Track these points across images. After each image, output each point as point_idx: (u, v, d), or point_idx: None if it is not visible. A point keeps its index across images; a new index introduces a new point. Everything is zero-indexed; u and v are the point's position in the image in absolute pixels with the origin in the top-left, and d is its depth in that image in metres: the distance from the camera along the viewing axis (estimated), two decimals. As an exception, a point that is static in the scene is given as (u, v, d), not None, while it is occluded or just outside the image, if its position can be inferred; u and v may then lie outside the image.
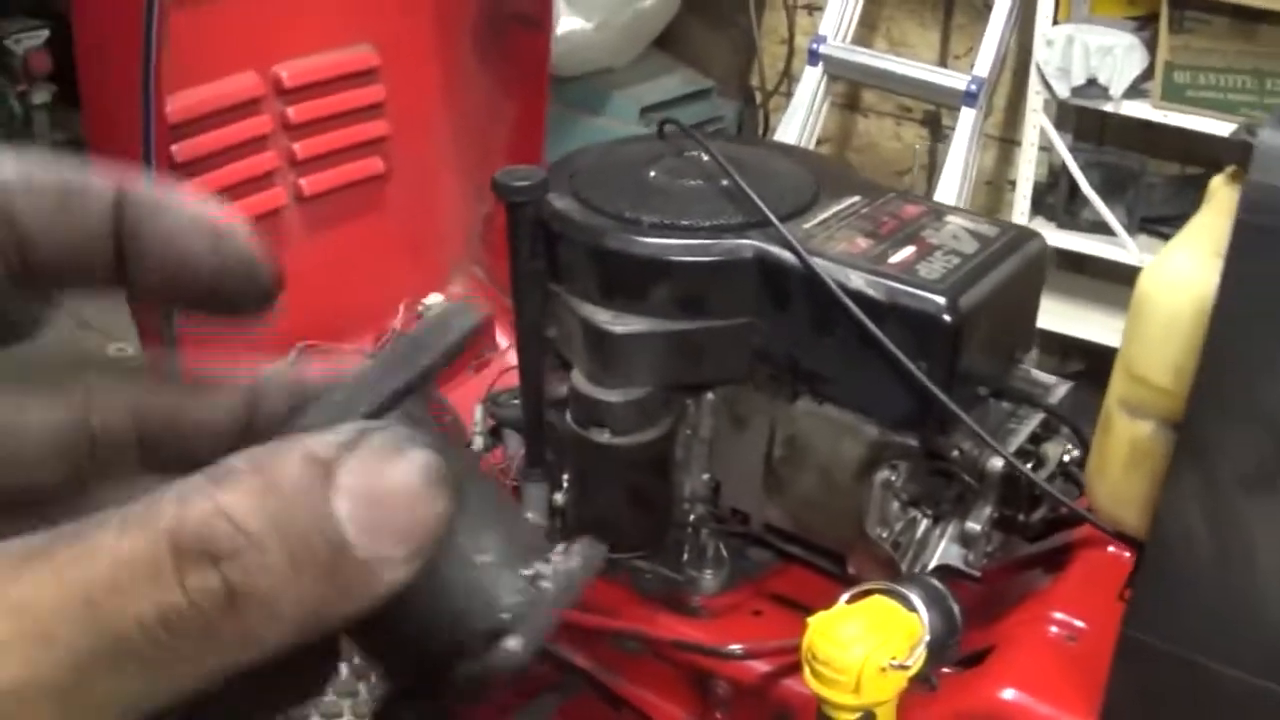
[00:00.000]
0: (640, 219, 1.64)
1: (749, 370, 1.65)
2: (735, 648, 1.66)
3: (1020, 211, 3.95)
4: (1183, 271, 1.20)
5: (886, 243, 1.61)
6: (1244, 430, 1.15)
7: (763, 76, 4.60)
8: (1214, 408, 1.16)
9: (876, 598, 1.37)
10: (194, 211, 0.48)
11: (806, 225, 1.64)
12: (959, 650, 1.43)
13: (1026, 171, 3.93)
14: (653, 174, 1.76)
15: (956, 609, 1.40)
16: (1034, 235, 1.71)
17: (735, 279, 1.60)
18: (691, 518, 1.78)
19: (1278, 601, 1.20)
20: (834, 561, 1.71)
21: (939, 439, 1.58)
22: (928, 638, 1.34)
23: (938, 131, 4.40)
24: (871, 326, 1.50)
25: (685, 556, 1.80)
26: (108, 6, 2.08)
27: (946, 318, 1.50)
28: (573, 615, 1.80)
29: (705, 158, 1.76)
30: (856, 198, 1.73)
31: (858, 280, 1.53)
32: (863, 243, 1.61)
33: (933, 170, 4.35)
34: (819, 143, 4.20)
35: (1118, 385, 1.26)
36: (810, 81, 4.04)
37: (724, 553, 1.81)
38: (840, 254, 1.58)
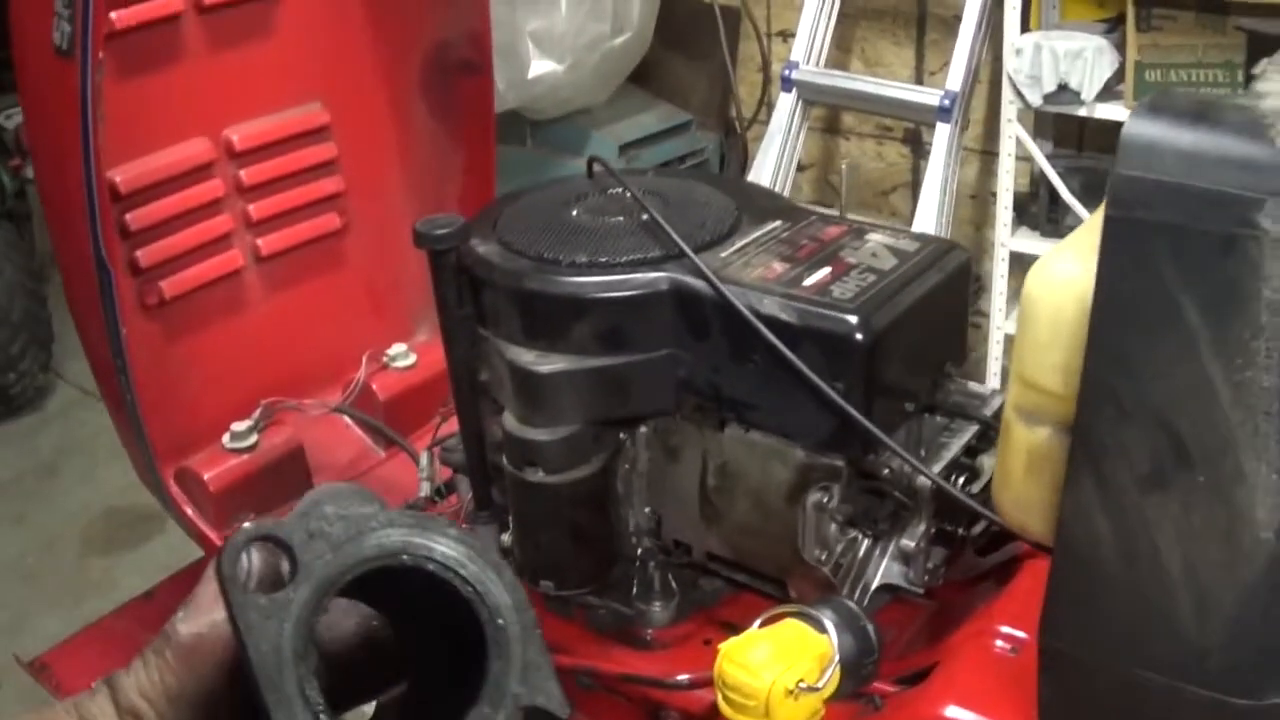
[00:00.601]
0: (559, 259, 1.65)
1: (677, 402, 1.65)
2: (681, 678, 1.66)
3: (1003, 222, 3.94)
4: (1066, 271, 1.20)
5: (803, 266, 1.62)
6: (1135, 429, 1.14)
7: (739, 106, 4.61)
8: (1103, 408, 1.15)
9: (788, 621, 1.37)
10: None
11: (724, 254, 1.65)
12: (877, 670, 1.42)
13: (1006, 182, 3.92)
14: (575, 213, 1.77)
15: (871, 629, 1.39)
16: (954, 247, 1.71)
17: (653, 312, 1.61)
18: (639, 551, 1.78)
19: (1187, 602, 1.18)
20: (777, 587, 1.70)
21: (867, 458, 1.58)
22: (838, 659, 1.34)
23: (919, 149, 4.41)
24: (784, 350, 1.50)
25: (634, 590, 1.80)
26: (46, 84, 2.10)
27: (858, 336, 1.50)
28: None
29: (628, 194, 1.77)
30: (778, 223, 1.74)
31: (771, 305, 1.54)
32: (779, 267, 1.61)
33: (916, 187, 4.34)
34: (801, 168, 4.21)
35: (1012, 392, 1.26)
36: (785, 107, 4.05)
37: (673, 584, 1.81)
38: (755, 280, 1.58)
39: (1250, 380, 1.08)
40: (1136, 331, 1.12)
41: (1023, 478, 1.27)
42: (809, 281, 1.58)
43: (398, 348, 2.57)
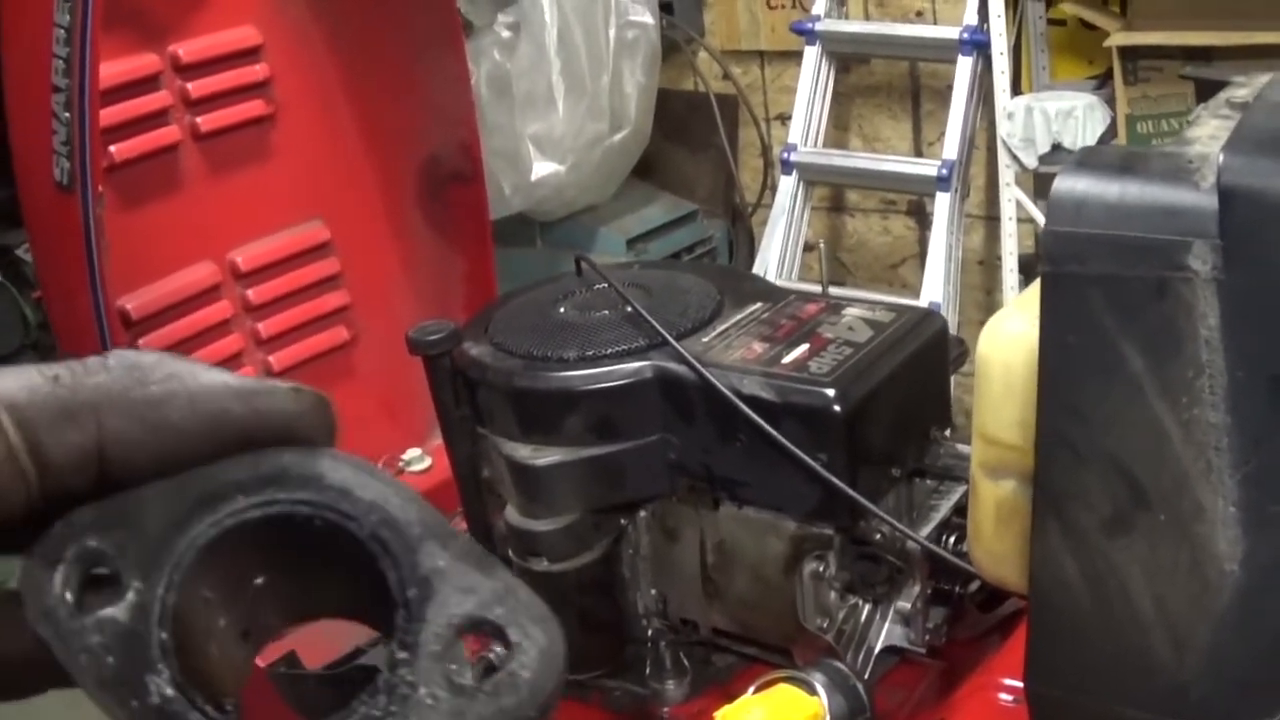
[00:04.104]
0: (548, 355, 1.71)
1: (671, 484, 1.69)
2: (695, 753, 1.70)
3: (1010, 286, 3.99)
4: (1015, 329, 1.24)
5: (782, 344, 1.66)
6: (1093, 475, 1.18)
7: (742, 192, 4.67)
8: (1060, 457, 1.19)
9: (781, 685, 1.41)
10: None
11: (706, 338, 1.70)
12: (871, 727, 1.46)
13: (1010, 246, 3.97)
14: (562, 311, 1.82)
15: (861, 688, 1.43)
16: (930, 314, 1.76)
17: (641, 399, 1.66)
18: (648, 632, 1.82)
19: (1161, 638, 1.22)
20: (784, 658, 1.74)
21: (858, 525, 1.62)
22: (829, 718, 1.38)
23: (924, 220, 4.46)
24: (766, 426, 1.55)
25: (648, 670, 1.84)
26: (50, 219, 2.17)
27: (836, 409, 1.54)
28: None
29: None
30: (758, 305, 1.79)
31: (751, 384, 1.58)
32: (759, 347, 1.66)
33: (925, 258, 4.39)
34: (808, 247, 4.26)
35: (976, 449, 1.30)
36: (787, 189, 4.12)
37: (685, 662, 1.84)
38: (735, 361, 1.63)
39: (1198, 418, 1.12)
40: (1083, 381, 1.16)
41: (993, 531, 1.31)
42: (787, 359, 1.63)
43: (412, 452, 2.63)
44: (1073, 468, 1.19)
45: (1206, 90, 1.41)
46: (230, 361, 2.46)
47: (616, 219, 4.42)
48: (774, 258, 4.07)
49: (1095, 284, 1.12)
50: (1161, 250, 1.09)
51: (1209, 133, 1.19)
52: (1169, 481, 1.15)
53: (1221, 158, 1.08)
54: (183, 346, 2.38)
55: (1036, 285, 1.29)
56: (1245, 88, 1.34)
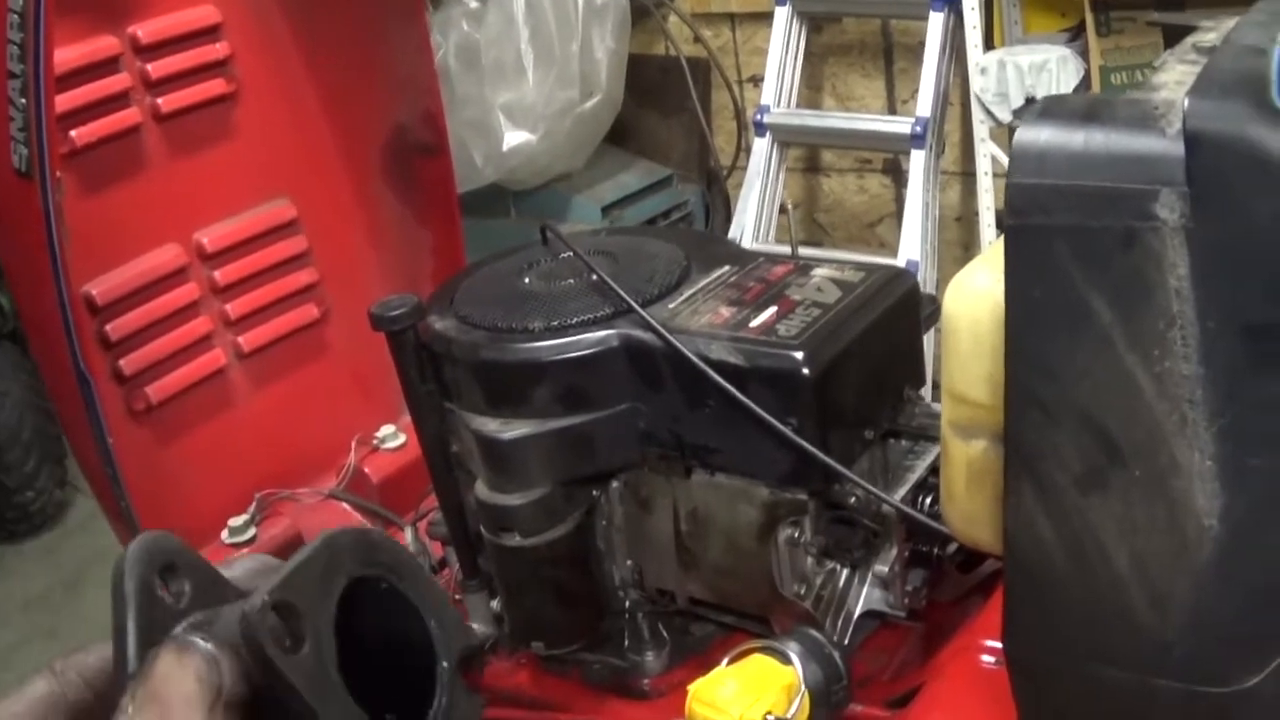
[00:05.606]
0: (513, 326, 1.68)
1: (642, 453, 1.67)
2: (674, 723, 1.67)
3: (987, 240, 3.98)
4: (980, 284, 1.22)
5: (750, 308, 1.64)
6: (1064, 431, 1.16)
7: (716, 156, 4.65)
8: (1030, 414, 1.17)
9: (755, 656, 1.39)
10: None
11: (672, 304, 1.67)
12: (849, 695, 1.44)
13: (987, 201, 3.96)
14: (527, 281, 1.79)
15: (838, 655, 1.41)
16: (901, 273, 1.73)
17: (608, 368, 1.63)
18: (626, 603, 1.80)
19: (1140, 597, 1.19)
20: (762, 626, 1.72)
21: (832, 489, 1.60)
22: (804, 688, 1.36)
23: (900, 178, 4.43)
24: (734, 392, 1.52)
25: (626, 642, 1.82)
26: (11, 205, 2.14)
27: (805, 371, 1.52)
28: (523, 714, 1.82)
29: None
30: (725, 268, 1.76)
31: (719, 349, 1.56)
32: (726, 312, 1.63)
33: (901, 216, 4.37)
34: (782, 210, 4.24)
35: (945, 409, 1.28)
36: (761, 151, 4.10)
37: (663, 632, 1.82)
38: (702, 327, 1.61)
39: (1170, 370, 1.09)
40: (1052, 335, 1.13)
41: (965, 491, 1.29)
42: (755, 322, 1.60)
43: (386, 429, 2.60)
44: (1043, 425, 1.17)
45: (1175, 36, 1.38)
46: (200, 343, 2.43)
47: (591, 186, 4.40)
48: (750, 220, 4.04)
49: (1061, 235, 1.09)
50: (1128, 199, 1.06)
51: (1175, 78, 1.16)
52: (1143, 436, 1.12)
53: (1187, 103, 1.05)
54: (151, 330, 2.35)
55: (999, 240, 1.26)
56: (1212, 32, 1.31)
